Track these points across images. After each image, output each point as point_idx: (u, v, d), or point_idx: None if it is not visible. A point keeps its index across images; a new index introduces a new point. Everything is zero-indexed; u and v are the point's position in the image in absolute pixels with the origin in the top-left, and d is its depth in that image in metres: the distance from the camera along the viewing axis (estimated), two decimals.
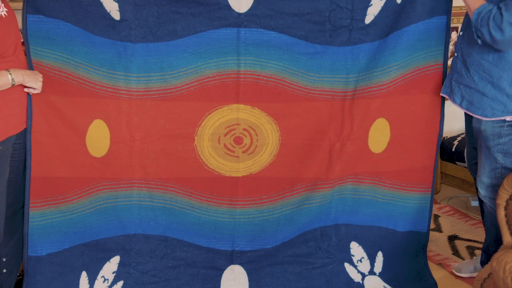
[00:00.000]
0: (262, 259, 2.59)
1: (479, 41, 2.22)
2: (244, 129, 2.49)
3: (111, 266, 2.50)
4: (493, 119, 2.31)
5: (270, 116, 2.49)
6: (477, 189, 2.55)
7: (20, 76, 2.14)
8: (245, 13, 2.36)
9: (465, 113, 2.59)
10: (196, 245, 2.56)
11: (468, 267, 2.77)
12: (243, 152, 2.51)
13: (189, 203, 2.52)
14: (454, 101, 2.43)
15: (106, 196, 2.45)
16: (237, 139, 2.49)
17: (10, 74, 2.09)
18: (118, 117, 2.40)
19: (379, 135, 2.56)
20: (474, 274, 2.72)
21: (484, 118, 2.33)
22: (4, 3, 2.14)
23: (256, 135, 2.50)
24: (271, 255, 2.59)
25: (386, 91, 2.50)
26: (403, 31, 2.44)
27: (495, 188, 2.39)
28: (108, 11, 2.30)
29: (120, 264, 2.50)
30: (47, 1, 2.25)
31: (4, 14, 2.11)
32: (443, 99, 2.57)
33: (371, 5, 2.39)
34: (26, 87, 2.21)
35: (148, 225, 2.52)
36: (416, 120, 2.58)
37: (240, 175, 2.52)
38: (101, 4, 2.28)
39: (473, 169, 2.68)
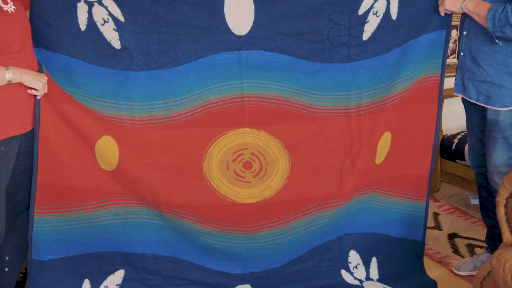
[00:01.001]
0: (270, 277, 2.56)
1: (500, 42, 2.28)
2: (252, 153, 2.46)
3: (115, 279, 2.48)
4: None
5: (277, 138, 2.45)
6: (480, 185, 2.56)
7: (18, 74, 2.04)
8: (245, 35, 2.33)
9: (466, 108, 2.61)
10: (206, 268, 2.53)
11: (467, 265, 2.78)
12: (254, 176, 2.47)
13: (200, 229, 2.47)
14: (470, 97, 2.47)
15: (115, 212, 2.42)
16: (246, 164, 2.46)
17: (7, 70, 2.01)
18: (126, 141, 2.36)
19: (384, 148, 2.56)
20: (474, 272, 2.72)
21: (503, 109, 2.37)
22: (13, 1, 2.09)
23: (265, 159, 2.47)
24: (279, 271, 2.57)
25: (391, 105, 2.50)
26: (404, 46, 2.45)
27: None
28: (109, 40, 2.26)
29: (125, 279, 2.48)
30: (47, 35, 2.23)
31: (11, 11, 2.06)
32: (439, 109, 2.60)
33: (368, 21, 2.39)
34: (28, 88, 2.12)
35: (158, 245, 2.48)
36: (412, 129, 2.59)
37: (253, 201, 2.48)
38: (101, 34, 2.26)
39: (478, 161, 2.67)
